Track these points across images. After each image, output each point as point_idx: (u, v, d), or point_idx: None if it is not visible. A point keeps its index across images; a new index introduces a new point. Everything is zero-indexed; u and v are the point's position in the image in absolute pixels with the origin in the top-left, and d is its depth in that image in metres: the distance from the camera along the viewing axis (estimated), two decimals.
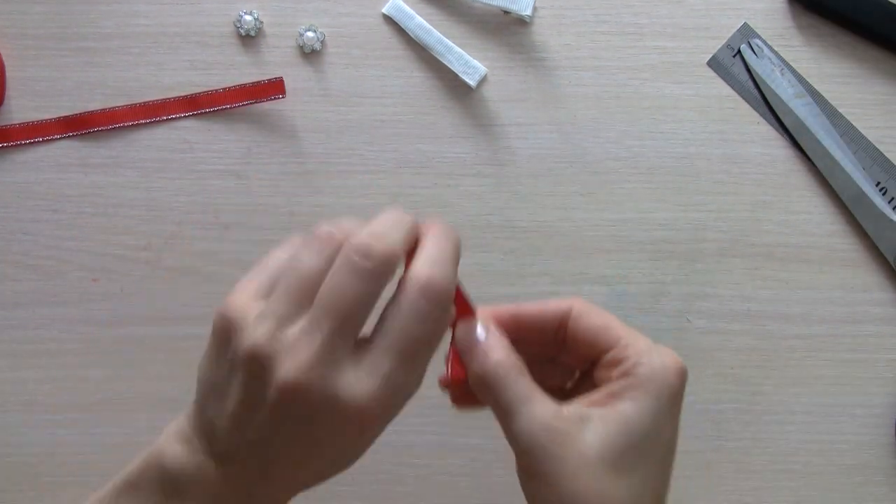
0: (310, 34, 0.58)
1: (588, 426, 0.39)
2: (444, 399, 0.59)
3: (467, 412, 0.44)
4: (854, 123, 0.58)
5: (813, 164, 0.58)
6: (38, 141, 0.59)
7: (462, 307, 0.42)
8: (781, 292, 0.58)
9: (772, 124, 0.58)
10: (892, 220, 0.57)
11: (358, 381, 0.37)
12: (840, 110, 0.58)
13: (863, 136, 0.58)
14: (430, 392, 0.59)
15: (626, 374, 0.40)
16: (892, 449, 0.58)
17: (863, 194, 0.57)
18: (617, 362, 0.40)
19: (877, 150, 0.58)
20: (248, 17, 0.58)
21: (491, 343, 0.41)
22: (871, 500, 0.59)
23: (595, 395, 0.40)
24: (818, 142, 0.57)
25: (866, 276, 0.58)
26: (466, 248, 0.59)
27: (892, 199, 0.58)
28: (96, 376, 0.59)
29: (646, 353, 0.40)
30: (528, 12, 0.57)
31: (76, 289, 0.59)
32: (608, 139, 0.58)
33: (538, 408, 0.39)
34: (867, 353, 0.58)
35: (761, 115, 0.58)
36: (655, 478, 0.40)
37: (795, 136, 0.58)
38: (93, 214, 0.59)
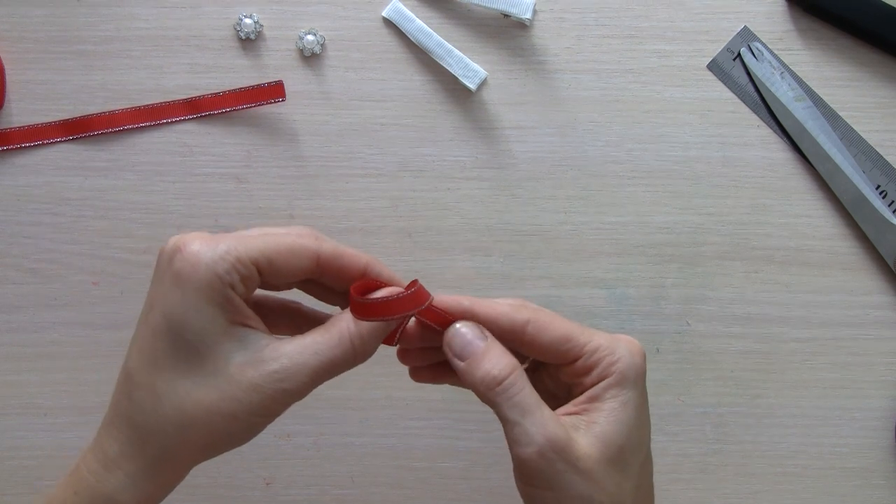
0: (310, 37, 0.58)
1: (585, 431, 0.40)
2: (444, 403, 0.60)
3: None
4: (854, 126, 0.58)
5: (813, 167, 0.58)
6: (39, 144, 0.59)
7: (438, 315, 0.42)
8: (781, 295, 0.58)
9: (772, 127, 0.58)
10: (891, 224, 0.57)
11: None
12: (840, 113, 0.58)
13: (863, 140, 0.58)
14: (431, 395, 0.59)
15: (603, 377, 0.41)
16: (892, 452, 0.58)
17: (863, 197, 0.57)
18: (588, 369, 0.42)
19: (877, 153, 0.58)
20: (247, 21, 0.58)
21: (494, 349, 0.41)
22: (871, 503, 0.59)
23: (580, 400, 0.41)
24: (818, 145, 0.57)
25: (866, 279, 0.58)
26: (466, 251, 0.59)
27: (892, 202, 0.58)
28: (96, 379, 0.59)
29: (612, 350, 0.41)
30: (527, 16, 0.57)
31: (76, 292, 0.59)
32: (608, 142, 0.58)
33: (542, 417, 0.40)
34: (867, 356, 0.58)
35: (761, 118, 0.58)
36: (647, 459, 0.42)
37: (795, 139, 0.58)
38: (93, 218, 0.59)
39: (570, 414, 0.41)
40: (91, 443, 0.40)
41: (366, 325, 0.40)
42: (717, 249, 0.58)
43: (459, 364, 0.41)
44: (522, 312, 0.42)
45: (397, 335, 0.43)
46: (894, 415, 0.59)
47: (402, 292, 0.40)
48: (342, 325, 0.40)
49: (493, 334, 0.42)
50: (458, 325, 0.41)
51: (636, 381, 0.42)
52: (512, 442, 0.40)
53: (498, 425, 0.61)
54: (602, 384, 0.41)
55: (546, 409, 0.40)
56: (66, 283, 0.59)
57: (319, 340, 0.39)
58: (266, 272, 0.39)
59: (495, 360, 0.40)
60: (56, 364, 0.59)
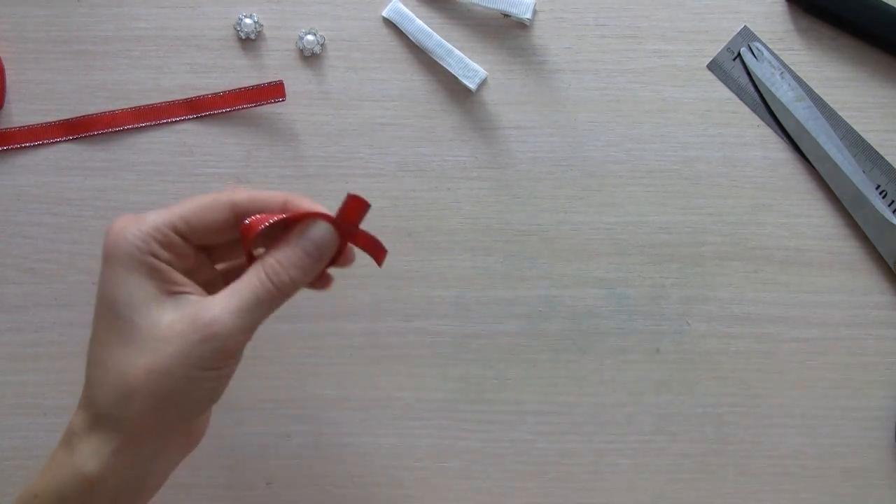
0: (310, 37, 0.58)
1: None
2: (444, 403, 0.60)
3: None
4: (854, 127, 0.58)
5: (813, 167, 0.58)
6: (38, 144, 0.59)
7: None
8: (781, 295, 0.58)
9: (772, 127, 0.58)
10: (892, 224, 0.57)
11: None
12: (840, 113, 0.58)
13: (863, 140, 0.58)
14: (431, 396, 0.59)
15: None
16: (892, 452, 0.58)
17: (863, 197, 0.57)
18: None
19: (877, 153, 0.58)
20: (247, 21, 0.58)
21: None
22: (871, 503, 0.59)
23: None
24: (818, 145, 0.57)
25: (866, 279, 0.58)
26: (466, 251, 0.59)
27: (893, 202, 0.58)
28: None
29: None
30: (528, 15, 0.57)
31: (76, 292, 0.59)
32: (608, 142, 0.58)
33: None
34: (867, 356, 0.58)
35: (761, 118, 0.58)
36: None
37: (795, 139, 0.58)
38: (93, 218, 0.59)
39: None
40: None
41: (278, 256, 0.41)
42: (717, 249, 0.58)
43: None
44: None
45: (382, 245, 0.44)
46: (894, 415, 0.59)
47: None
48: (256, 263, 0.41)
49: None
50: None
51: None
52: None
53: (498, 425, 0.61)
54: None
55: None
56: (65, 283, 0.59)
57: (238, 283, 0.40)
58: (187, 233, 0.40)
59: None
60: (56, 364, 0.59)
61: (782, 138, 0.58)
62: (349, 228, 0.44)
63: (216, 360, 0.39)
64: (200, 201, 0.41)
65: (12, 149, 0.59)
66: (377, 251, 0.45)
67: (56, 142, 0.59)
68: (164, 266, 0.40)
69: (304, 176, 0.59)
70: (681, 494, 0.59)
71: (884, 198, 0.58)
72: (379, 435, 0.59)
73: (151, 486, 0.42)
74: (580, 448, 0.59)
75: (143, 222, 0.40)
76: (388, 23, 0.58)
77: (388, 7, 0.58)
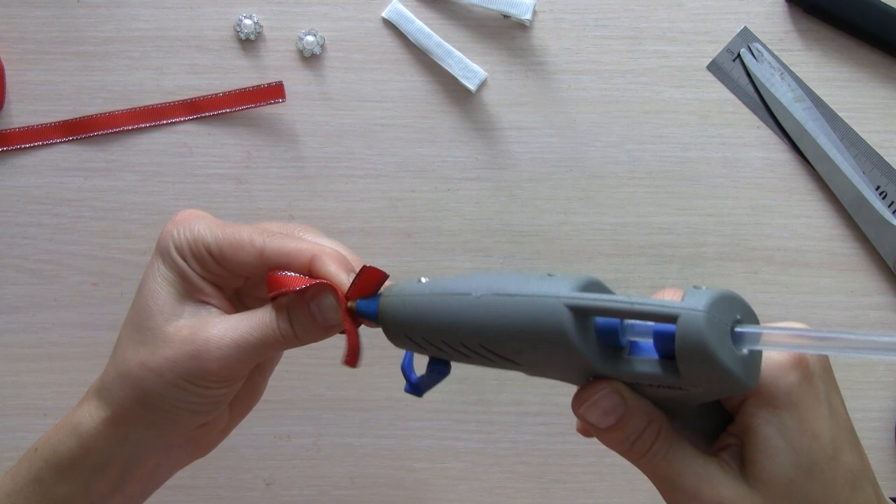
0: (310, 38, 0.58)
1: (748, 472, 0.36)
2: (444, 404, 0.60)
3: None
4: (854, 127, 0.58)
5: (813, 168, 0.58)
6: (38, 145, 0.59)
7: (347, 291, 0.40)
8: (781, 296, 0.58)
9: (772, 128, 0.58)
10: (891, 224, 0.57)
11: None
12: (840, 114, 0.58)
13: (862, 140, 0.58)
14: (430, 397, 0.59)
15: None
16: (892, 452, 0.58)
17: (863, 198, 0.57)
18: None
19: (876, 154, 0.58)
20: (247, 21, 0.58)
21: (620, 410, 0.37)
22: None
23: (733, 429, 0.37)
24: (818, 146, 0.57)
25: (866, 279, 0.58)
26: (466, 251, 0.59)
27: (892, 203, 0.58)
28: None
29: None
30: (527, 16, 0.57)
31: (76, 293, 0.59)
32: (608, 143, 0.58)
33: (693, 480, 0.36)
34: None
35: (761, 119, 0.58)
36: (839, 468, 0.36)
37: (795, 140, 0.58)
38: (93, 218, 0.59)
39: (728, 447, 0.37)
40: None
41: (292, 309, 0.41)
42: (717, 250, 0.58)
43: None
44: None
45: (359, 353, 0.42)
46: (894, 415, 0.58)
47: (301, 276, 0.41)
48: (273, 307, 0.41)
49: None
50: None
51: (790, 396, 0.35)
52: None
53: (498, 426, 0.61)
54: (748, 406, 0.36)
55: (694, 467, 0.36)
56: (65, 283, 0.59)
57: (252, 315, 0.41)
58: (218, 259, 0.41)
59: (628, 427, 0.37)
60: (56, 365, 0.59)
61: (782, 139, 0.58)
62: (352, 311, 0.41)
63: (199, 378, 0.40)
64: (239, 237, 0.41)
65: (12, 149, 0.59)
66: (352, 353, 0.42)
67: (56, 142, 0.59)
68: (192, 274, 0.41)
69: (303, 176, 0.59)
70: None
71: (883, 198, 0.58)
72: (379, 436, 0.59)
73: (145, 474, 0.43)
74: (580, 449, 0.59)
75: (191, 229, 0.42)
76: (388, 23, 0.58)
77: (387, 8, 0.58)
